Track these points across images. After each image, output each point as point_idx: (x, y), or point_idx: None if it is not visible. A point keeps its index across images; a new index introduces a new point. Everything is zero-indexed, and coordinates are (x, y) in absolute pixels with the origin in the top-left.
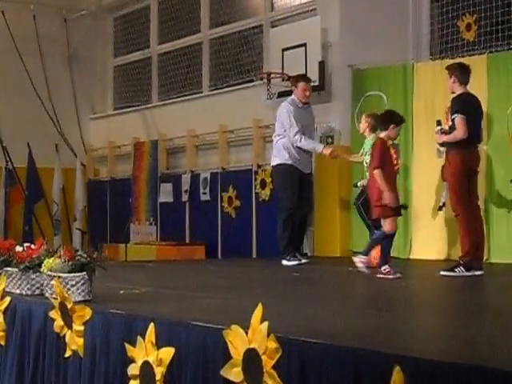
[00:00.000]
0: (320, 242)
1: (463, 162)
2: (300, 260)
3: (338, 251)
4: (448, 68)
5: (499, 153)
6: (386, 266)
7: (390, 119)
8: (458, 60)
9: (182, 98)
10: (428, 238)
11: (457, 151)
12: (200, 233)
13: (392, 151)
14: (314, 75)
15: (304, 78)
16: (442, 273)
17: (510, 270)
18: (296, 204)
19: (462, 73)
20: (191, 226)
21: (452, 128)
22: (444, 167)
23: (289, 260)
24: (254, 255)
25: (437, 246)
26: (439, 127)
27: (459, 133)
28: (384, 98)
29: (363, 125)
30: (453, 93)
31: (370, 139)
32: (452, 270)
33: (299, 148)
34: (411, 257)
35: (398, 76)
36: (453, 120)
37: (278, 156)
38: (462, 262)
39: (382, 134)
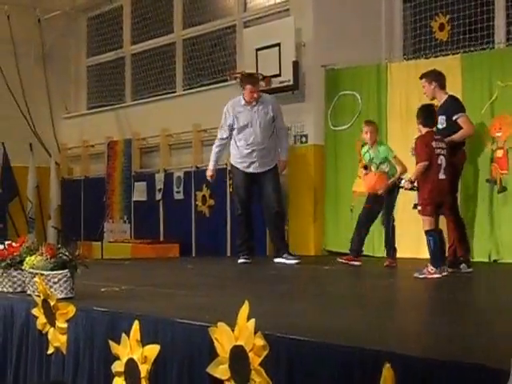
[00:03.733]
0: (294, 240)
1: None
2: (247, 259)
3: (313, 250)
4: (425, 75)
5: (475, 152)
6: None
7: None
8: (431, 60)
9: (156, 98)
10: (403, 236)
11: (462, 150)
12: (174, 231)
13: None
14: (287, 75)
15: (251, 79)
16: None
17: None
18: (244, 207)
19: (441, 79)
20: (165, 224)
21: (451, 129)
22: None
23: (239, 257)
24: (228, 253)
25: (412, 244)
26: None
27: (470, 129)
28: (358, 97)
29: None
30: (433, 99)
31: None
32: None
33: (248, 145)
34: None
35: (371, 76)
36: (455, 120)
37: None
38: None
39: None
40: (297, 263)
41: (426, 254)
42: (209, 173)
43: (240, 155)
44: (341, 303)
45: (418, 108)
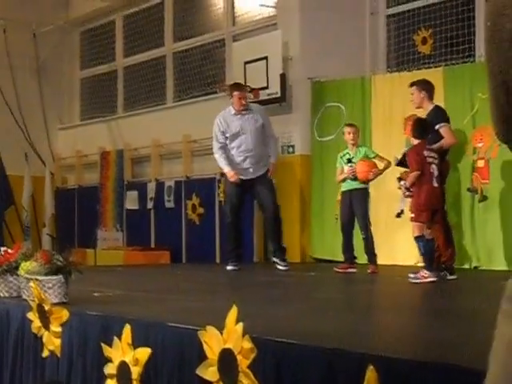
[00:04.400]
0: None
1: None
2: (236, 266)
3: (299, 257)
4: (416, 83)
5: (457, 162)
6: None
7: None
8: (414, 73)
9: (147, 109)
10: (387, 244)
11: (446, 160)
12: (165, 238)
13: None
14: (275, 87)
15: (238, 86)
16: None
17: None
18: (234, 215)
19: (431, 89)
20: (157, 232)
21: (435, 138)
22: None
23: (228, 264)
24: (218, 260)
25: (396, 252)
26: (403, 183)
27: (451, 139)
28: (343, 109)
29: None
30: (419, 107)
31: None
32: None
33: (241, 152)
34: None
35: (356, 88)
36: (437, 130)
37: None
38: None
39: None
40: (285, 270)
41: (405, 261)
42: (230, 174)
43: (233, 163)
44: (327, 307)
45: (412, 122)
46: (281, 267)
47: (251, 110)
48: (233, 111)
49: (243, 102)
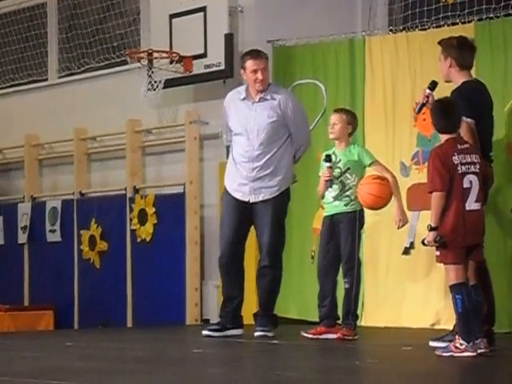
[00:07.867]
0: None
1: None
2: (212, 332)
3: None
4: (441, 44)
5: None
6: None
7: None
8: (431, 31)
9: (17, 88)
10: (388, 296)
11: (488, 162)
12: (46, 291)
13: None
14: (217, 55)
15: (253, 53)
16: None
17: None
18: (230, 249)
19: (461, 52)
20: (33, 280)
21: None
22: (412, 190)
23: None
24: (130, 323)
25: (401, 309)
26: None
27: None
28: (321, 87)
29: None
30: (448, 81)
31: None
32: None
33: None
34: (364, 323)
35: (341, 56)
36: None
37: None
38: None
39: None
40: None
41: (415, 322)
42: None
43: (234, 174)
44: None
45: (432, 105)
46: (259, 333)
47: (271, 97)
48: (243, 94)
49: (259, 78)
